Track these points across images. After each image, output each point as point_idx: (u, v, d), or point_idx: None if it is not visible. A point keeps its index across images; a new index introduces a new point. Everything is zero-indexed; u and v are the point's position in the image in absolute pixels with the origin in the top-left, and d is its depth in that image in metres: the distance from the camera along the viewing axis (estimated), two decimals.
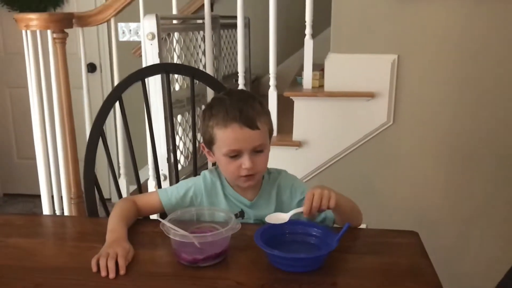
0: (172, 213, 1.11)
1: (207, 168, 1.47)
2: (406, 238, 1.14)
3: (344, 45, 2.01)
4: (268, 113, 1.18)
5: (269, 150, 1.18)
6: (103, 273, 0.96)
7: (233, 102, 1.13)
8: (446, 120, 2.02)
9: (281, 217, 1.09)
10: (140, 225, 1.19)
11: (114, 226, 1.11)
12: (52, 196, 2.19)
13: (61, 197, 2.19)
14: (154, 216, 1.37)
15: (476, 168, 2.05)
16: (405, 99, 2.02)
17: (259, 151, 1.14)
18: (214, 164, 1.28)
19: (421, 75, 1.99)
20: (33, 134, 2.12)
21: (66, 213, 2.19)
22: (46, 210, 2.18)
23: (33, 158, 2.15)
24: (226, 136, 1.12)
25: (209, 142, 1.17)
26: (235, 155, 1.13)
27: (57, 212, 2.20)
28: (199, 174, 1.27)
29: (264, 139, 1.14)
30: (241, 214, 1.21)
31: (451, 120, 2.02)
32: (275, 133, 2.13)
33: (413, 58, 1.98)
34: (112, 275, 0.96)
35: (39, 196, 2.20)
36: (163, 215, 1.21)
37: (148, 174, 2.30)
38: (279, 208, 1.21)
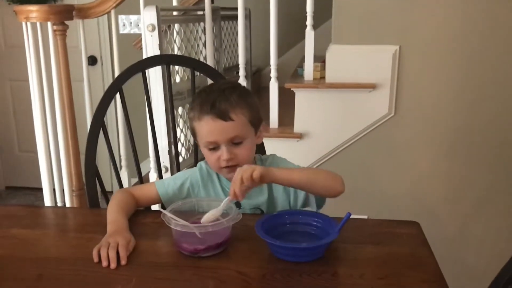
0: (173, 203, 1.11)
1: None
2: (407, 228, 1.14)
3: (345, 36, 2.00)
4: (248, 105, 1.15)
5: (253, 141, 1.18)
6: (104, 263, 0.96)
7: (209, 95, 1.13)
8: (447, 111, 2.01)
9: (215, 213, 1.04)
10: (141, 216, 1.19)
11: (114, 217, 1.12)
12: (54, 189, 2.19)
13: (63, 189, 2.20)
14: (155, 207, 1.37)
15: (478, 159, 2.04)
16: (406, 90, 2.01)
17: (238, 142, 1.14)
18: None
19: (423, 66, 1.99)
20: (34, 127, 2.12)
21: (68, 205, 2.20)
22: (47, 202, 2.19)
23: (35, 151, 2.16)
24: (202, 128, 1.14)
25: (193, 135, 1.20)
26: (213, 147, 1.14)
27: (59, 205, 2.21)
28: None
29: (241, 130, 1.13)
30: (237, 205, 1.21)
31: (452, 111, 2.01)
32: (276, 125, 2.13)
33: (415, 49, 1.97)
34: (113, 265, 0.96)
35: (41, 189, 2.20)
36: (162, 206, 1.21)
37: (150, 166, 2.30)
38: (272, 193, 1.22)
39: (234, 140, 1.13)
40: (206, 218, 1.03)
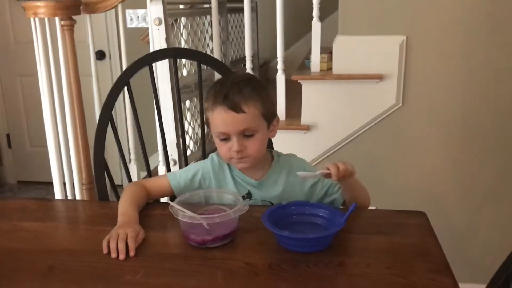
0: (180, 195, 1.12)
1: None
2: (414, 219, 1.14)
3: (352, 27, 2.00)
4: (263, 97, 1.16)
5: (265, 134, 1.18)
6: (113, 255, 0.98)
7: (223, 86, 1.14)
8: (456, 101, 2.00)
9: (311, 175, 1.15)
10: (149, 208, 1.21)
11: (125, 209, 1.13)
12: (64, 183, 2.22)
13: (73, 183, 2.22)
14: (164, 199, 1.38)
15: (487, 150, 2.03)
16: (414, 81, 2.00)
17: (249, 135, 1.14)
18: None
19: (430, 56, 1.97)
20: (44, 121, 2.14)
21: (78, 198, 2.22)
22: (58, 196, 2.21)
23: (45, 145, 2.18)
24: (214, 119, 1.15)
25: (207, 125, 1.21)
26: (224, 137, 1.15)
27: (69, 198, 2.23)
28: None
29: (252, 123, 1.14)
30: (248, 196, 1.22)
31: (460, 101, 2.00)
32: (283, 117, 2.13)
33: (422, 39, 1.96)
34: (122, 256, 0.97)
35: (52, 183, 2.23)
36: (173, 198, 1.22)
37: (158, 160, 2.32)
38: (287, 191, 1.22)
39: (245, 132, 1.14)
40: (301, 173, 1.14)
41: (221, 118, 1.13)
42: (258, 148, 1.17)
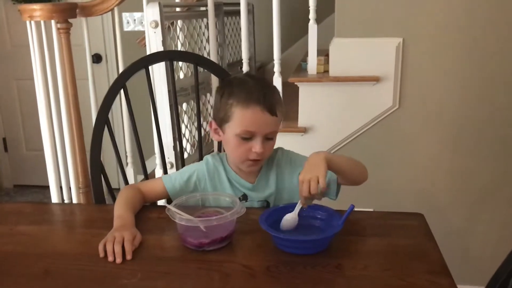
0: (177, 198, 1.11)
1: None
2: (411, 220, 1.14)
3: (348, 29, 2.00)
4: (283, 104, 1.19)
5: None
6: (110, 258, 0.97)
7: (257, 85, 1.14)
8: (452, 103, 2.01)
9: (292, 217, 1.07)
10: (146, 211, 1.20)
11: (121, 212, 1.13)
12: (61, 187, 2.21)
13: (70, 187, 2.21)
14: (160, 202, 1.38)
15: (483, 151, 2.04)
16: (410, 83, 2.00)
17: (270, 138, 1.15)
18: (219, 145, 1.31)
19: (427, 58, 1.98)
20: (40, 125, 2.14)
21: (74, 202, 2.21)
22: (55, 200, 2.20)
23: (42, 149, 2.17)
24: (245, 116, 1.12)
25: (223, 120, 1.16)
26: (247, 137, 1.13)
27: (66, 202, 2.22)
28: None
29: (278, 127, 1.16)
30: (244, 198, 1.22)
31: (457, 103, 2.00)
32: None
33: (419, 41, 1.96)
34: (118, 259, 0.97)
35: (48, 187, 2.22)
36: (170, 201, 1.22)
37: (156, 163, 2.31)
38: (280, 186, 1.22)
39: (269, 134, 1.14)
40: (285, 223, 1.06)
41: (254, 117, 1.11)
42: (271, 152, 1.19)
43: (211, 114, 1.26)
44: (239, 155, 1.16)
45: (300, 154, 1.27)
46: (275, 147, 1.24)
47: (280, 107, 1.16)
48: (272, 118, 1.12)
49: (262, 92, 1.12)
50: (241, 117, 1.12)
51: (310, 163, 1.07)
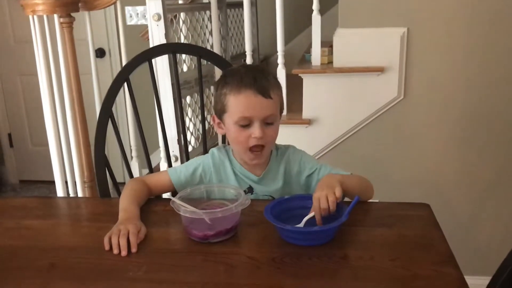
0: (181, 191, 1.11)
1: None
2: (417, 211, 1.13)
3: (352, 19, 1.98)
4: (280, 88, 1.19)
5: (279, 125, 1.19)
6: (115, 251, 0.97)
7: (248, 71, 1.14)
8: (457, 93, 1.99)
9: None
10: (151, 204, 1.20)
11: (126, 205, 1.12)
12: (66, 181, 2.21)
13: (75, 181, 2.21)
14: (165, 195, 1.38)
15: (489, 142, 2.02)
16: (415, 73, 1.99)
17: (270, 123, 1.14)
18: (223, 137, 1.29)
19: (432, 48, 1.96)
20: (45, 120, 2.14)
21: (80, 196, 2.21)
22: (60, 194, 2.21)
23: (47, 144, 2.17)
24: (239, 102, 1.12)
25: (221, 111, 1.17)
26: (246, 124, 1.13)
27: (71, 196, 2.23)
28: None
29: (276, 110, 1.15)
30: (249, 190, 1.21)
31: (462, 93, 1.99)
32: (284, 112, 2.12)
33: (423, 31, 1.94)
34: (124, 252, 0.97)
35: (54, 182, 2.22)
36: (174, 193, 1.22)
37: (160, 157, 2.31)
38: (287, 183, 1.22)
39: (268, 119, 1.13)
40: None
41: (248, 102, 1.11)
42: (274, 138, 1.17)
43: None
44: (241, 144, 1.15)
45: (311, 156, 1.27)
46: (286, 143, 1.23)
47: (276, 90, 1.15)
48: (266, 100, 1.11)
49: (252, 77, 1.12)
50: (236, 104, 1.12)
51: (325, 183, 1.07)
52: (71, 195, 2.21)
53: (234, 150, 1.22)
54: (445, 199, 2.10)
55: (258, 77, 1.12)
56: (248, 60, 2.19)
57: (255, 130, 1.12)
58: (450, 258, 0.93)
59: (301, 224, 1.03)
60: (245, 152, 1.16)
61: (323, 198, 1.01)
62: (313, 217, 1.03)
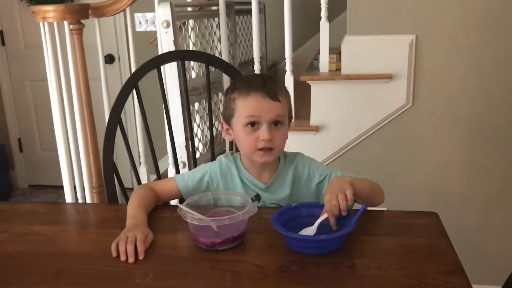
0: (189, 198, 1.11)
1: None
2: (425, 219, 1.12)
3: (360, 26, 1.98)
4: (289, 96, 1.21)
5: (288, 129, 1.20)
6: (122, 258, 0.98)
7: (257, 76, 1.22)
8: (466, 101, 1.98)
9: (310, 230, 1.04)
10: (158, 211, 1.21)
11: (134, 212, 1.13)
12: (75, 187, 2.23)
13: (83, 187, 2.23)
14: (173, 202, 1.38)
15: (497, 149, 2.01)
16: (424, 80, 1.98)
17: (278, 124, 1.15)
18: (231, 144, 1.30)
19: (440, 55, 1.95)
20: (54, 126, 2.15)
21: (88, 202, 2.22)
22: (68, 200, 2.22)
23: (56, 149, 2.19)
24: (247, 103, 1.14)
25: (229, 116, 1.19)
26: (253, 124, 1.14)
27: (80, 202, 2.24)
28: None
29: (284, 112, 1.16)
30: (257, 198, 1.21)
31: (471, 101, 1.97)
32: (292, 119, 2.12)
33: (432, 38, 1.94)
34: (131, 259, 0.97)
35: (62, 187, 2.24)
36: (181, 200, 1.22)
37: (168, 163, 2.32)
38: (296, 191, 1.21)
39: (276, 119, 1.14)
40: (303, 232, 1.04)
41: (256, 103, 1.13)
42: (282, 142, 1.18)
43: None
44: (249, 146, 1.16)
45: (320, 163, 1.27)
46: (294, 149, 1.24)
47: (284, 95, 1.18)
48: (274, 103, 1.14)
49: (262, 81, 1.16)
50: (244, 106, 1.15)
51: (336, 184, 1.07)
52: (79, 200, 2.22)
53: (243, 154, 1.23)
54: (453, 207, 2.09)
55: (267, 82, 1.16)
56: (256, 67, 2.20)
57: (263, 132, 1.13)
58: (458, 267, 0.92)
59: (314, 227, 1.03)
60: (254, 153, 1.16)
61: (334, 200, 1.01)
62: (326, 219, 1.03)
